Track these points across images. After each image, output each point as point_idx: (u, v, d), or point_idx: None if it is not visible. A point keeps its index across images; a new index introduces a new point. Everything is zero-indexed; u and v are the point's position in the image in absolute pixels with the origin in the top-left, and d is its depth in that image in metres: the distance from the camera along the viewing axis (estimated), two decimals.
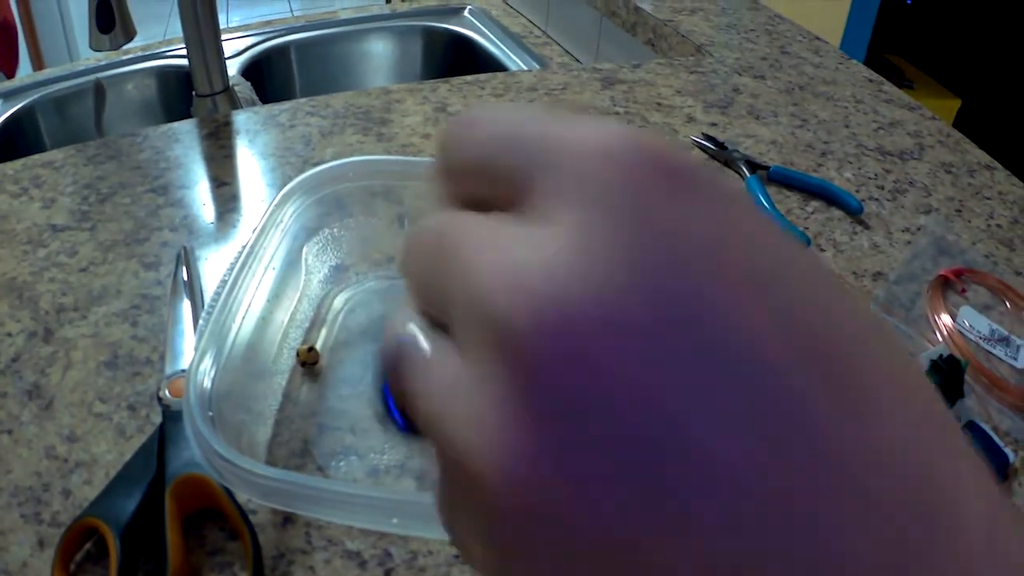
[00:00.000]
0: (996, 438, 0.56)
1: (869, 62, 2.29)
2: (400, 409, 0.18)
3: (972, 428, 0.57)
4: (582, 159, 0.16)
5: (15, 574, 0.43)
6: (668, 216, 0.15)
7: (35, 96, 1.01)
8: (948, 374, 0.59)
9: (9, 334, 0.56)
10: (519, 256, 0.15)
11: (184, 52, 1.10)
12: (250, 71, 1.11)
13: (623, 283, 0.14)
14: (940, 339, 0.64)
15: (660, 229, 0.15)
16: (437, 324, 0.17)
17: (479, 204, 0.17)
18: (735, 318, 0.14)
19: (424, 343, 0.17)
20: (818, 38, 1.12)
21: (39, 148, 0.98)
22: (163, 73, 1.10)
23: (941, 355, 0.59)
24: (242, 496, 0.42)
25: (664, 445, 0.13)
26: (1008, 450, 0.55)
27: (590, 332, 0.14)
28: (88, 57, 1.11)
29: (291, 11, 3.34)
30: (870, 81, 1.00)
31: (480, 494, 0.15)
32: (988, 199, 0.79)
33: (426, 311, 0.18)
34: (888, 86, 0.99)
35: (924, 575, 0.14)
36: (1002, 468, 0.55)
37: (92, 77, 1.05)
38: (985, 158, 0.86)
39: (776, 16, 1.18)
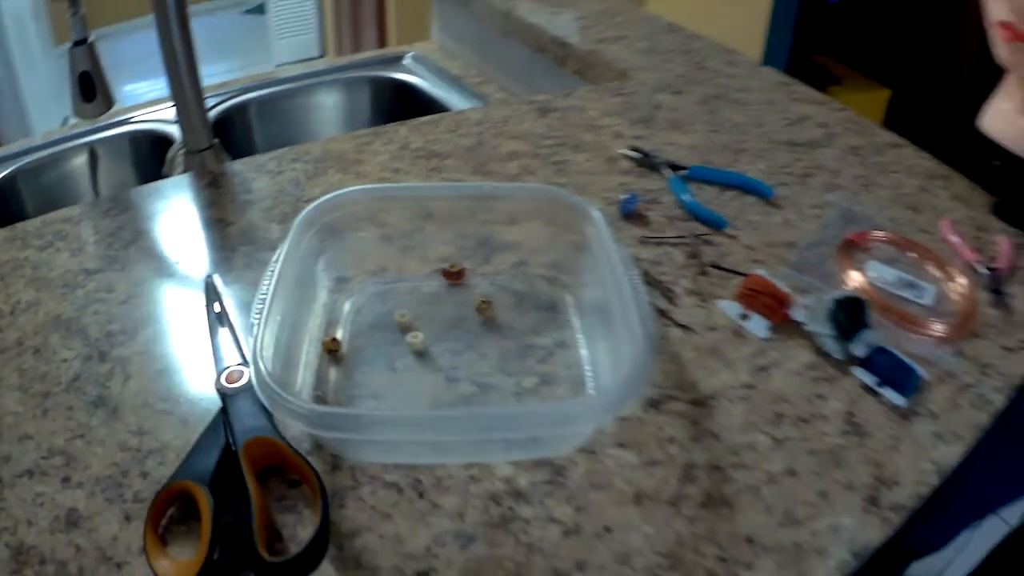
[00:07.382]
0: (905, 358, 0.62)
1: (794, 64, 2.35)
2: None
3: (882, 352, 0.62)
4: None
5: (107, 547, 0.48)
6: None
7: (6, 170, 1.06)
8: (851, 308, 0.63)
9: (65, 360, 0.62)
10: None
11: (145, 116, 1.18)
12: (214, 128, 1.20)
13: None
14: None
15: None
16: None
17: None
18: None
19: None
20: (732, 51, 1.20)
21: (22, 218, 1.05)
22: (134, 137, 1.17)
23: (844, 295, 0.64)
24: (302, 448, 0.53)
25: None
26: (919, 367, 0.61)
27: None
28: (45, 132, 1.16)
29: (231, 72, 3.41)
30: (782, 83, 1.09)
31: None
32: (895, 172, 0.86)
33: None
34: (798, 85, 1.07)
35: None
36: (913, 382, 0.61)
37: (55, 149, 1.11)
38: (893, 138, 0.93)
39: (692, 35, 1.26)
